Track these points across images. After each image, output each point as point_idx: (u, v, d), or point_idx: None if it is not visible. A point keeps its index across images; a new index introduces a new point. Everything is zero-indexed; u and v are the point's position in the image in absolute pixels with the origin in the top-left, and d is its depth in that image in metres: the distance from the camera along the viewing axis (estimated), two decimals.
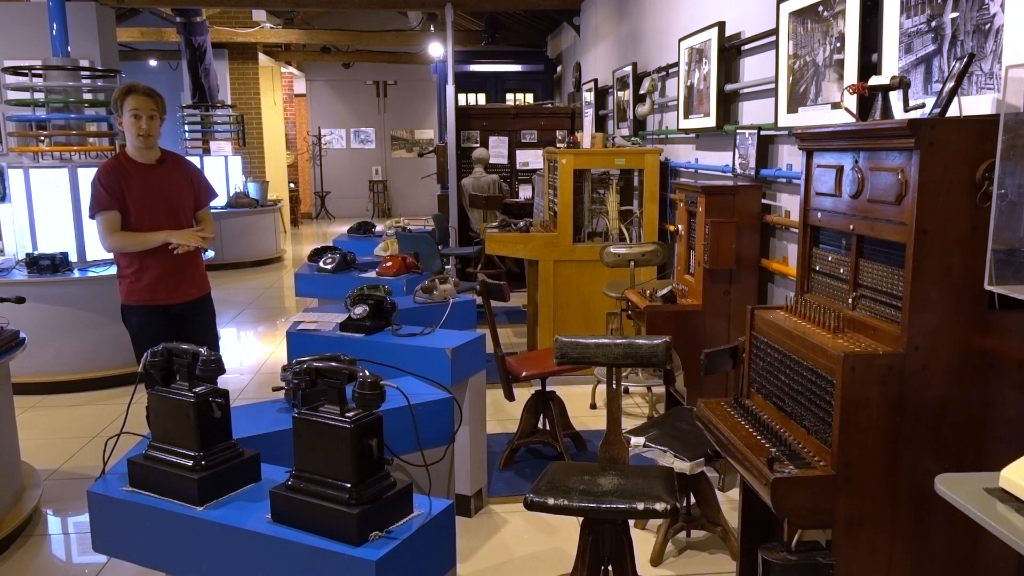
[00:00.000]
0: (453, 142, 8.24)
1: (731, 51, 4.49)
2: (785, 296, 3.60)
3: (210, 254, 6.71)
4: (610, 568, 2.58)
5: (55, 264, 5.47)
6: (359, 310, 3.54)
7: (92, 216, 3.53)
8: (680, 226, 4.26)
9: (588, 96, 8.34)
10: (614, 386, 2.74)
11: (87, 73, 6.29)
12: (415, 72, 16.62)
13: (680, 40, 5.16)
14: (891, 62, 2.80)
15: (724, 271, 3.81)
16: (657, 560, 3.18)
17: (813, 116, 3.39)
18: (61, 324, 5.47)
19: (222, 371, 2.13)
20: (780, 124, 3.71)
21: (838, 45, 3.18)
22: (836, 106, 3.21)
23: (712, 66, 4.58)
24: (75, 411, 5.16)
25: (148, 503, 2.10)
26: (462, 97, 10.85)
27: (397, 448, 2.07)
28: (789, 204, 3.79)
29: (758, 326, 2.45)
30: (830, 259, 2.37)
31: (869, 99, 2.49)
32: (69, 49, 6.32)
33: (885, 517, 2.02)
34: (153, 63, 14.69)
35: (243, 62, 13.05)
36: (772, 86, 3.79)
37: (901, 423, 1.99)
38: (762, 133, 3.99)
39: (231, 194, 11.01)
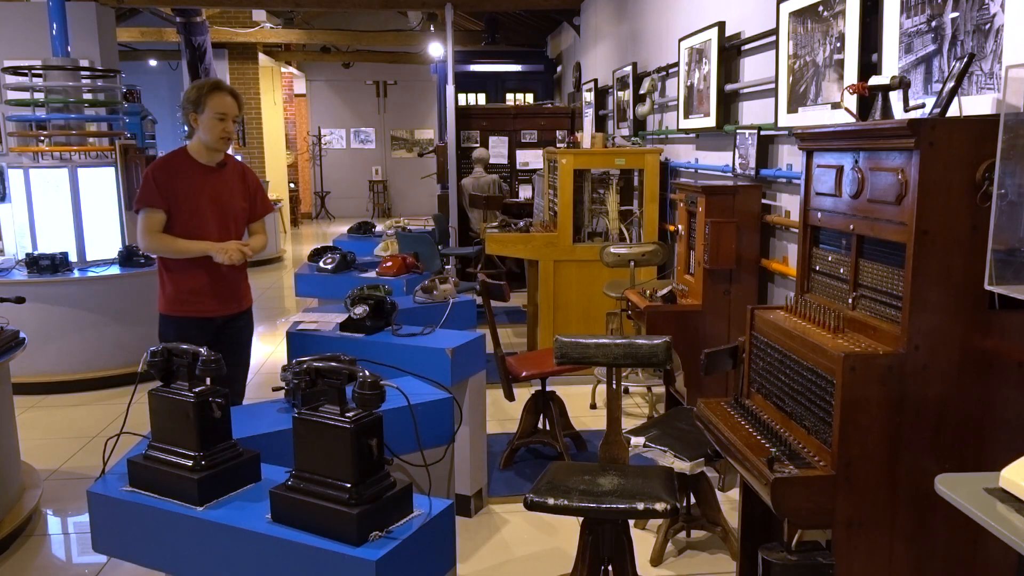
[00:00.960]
0: (453, 142, 8.24)
1: (731, 51, 4.49)
2: (785, 296, 3.60)
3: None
4: (610, 568, 2.58)
5: (55, 264, 5.48)
6: (359, 310, 3.54)
7: (137, 210, 3.31)
8: (680, 226, 4.26)
9: (588, 96, 8.34)
10: (614, 386, 2.74)
11: (87, 73, 6.30)
12: (415, 72, 16.62)
13: (680, 40, 5.16)
14: (891, 62, 2.80)
15: (724, 271, 3.81)
16: (657, 560, 3.18)
17: (813, 116, 3.39)
18: (61, 324, 5.47)
19: (222, 371, 2.13)
20: (780, 124, 3.71)
21: (838, 45, 3.18)
22: (836, 106, 3.21)
23: (712, 66, 4.58)
24: (75, 411, 5.16)
25: (148, 503, 2.10)
26: (462, 97, 10.85)
27: (397, 448, 2.07)
28: (789, 204, 3.79)
29: (758, 326, 2.45)
30: (830, 259, 2.37)
31: (869, 99, 2.49)
32: (69, 49, 6.32)
33: (885, 517, 2.02)
34: (153, 63, 14.69)
35: (243, 62, 13.04)
36: (772, 86, 3.79)
37: (901, 423, 1.99)
38: (762, 133, 3.99)
39: None
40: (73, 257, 5.70)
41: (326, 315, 3.78)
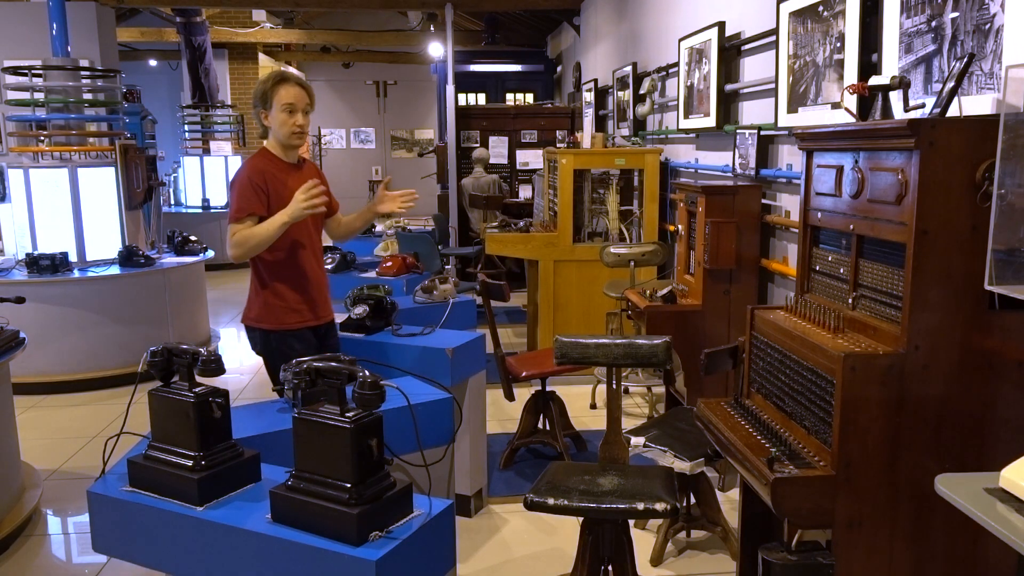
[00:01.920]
0: (453, 142, 8.24)
1: (731, 51, 4.49)
2: (785, 296, 3.60)
3: (208, 255, 6.71)
4: (610, 568, 2.57)
5: (55, 264, 5.48)
6: (359, 310, 3.55)
7: (236, 219, 3.00)
8: (680, 226, 4.26)
9: (588, 96, 8.34)
10: (614, 386, 2.74)
11: (87, 73, 6.30)
12: (415, 72, 16.62)
13: (680, 40, 5.16)
14: (891, 62, 2.80)
15: (724, 271, 3.81)
16: (657, 560, 3.18)
17: (813, 116, 3.39)
18: (61, 324, 5.47)
19: (222, 371, 2.13)
20: (780, 124, 3.71)
21: (838, 45, 3.18)
22: (836, 106, 3.21)
23: (712, 66, 4.58)
24: (75, 411, 5.16)
25: (148, 503, 2.10)
26: (462, 97, 10.85)
27: (397, 448, 2.07)
28: (789, 204, 3.79)
29: (758, 326, 2.45)
30: (830, 259, 2.37)
31: (869, 99, 2.49)
32: (69, 49, 6.32)
33: (885, 517, 2.02)
34: (153, 63, 14.69)
35: (243, 62, 13.04)
36: (772, 86, 3.79)
37: (901, 423, 1.99)
38: (762, 133, 3.99)
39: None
40: (73, 257, 5.70)
41: None
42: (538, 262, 5.59)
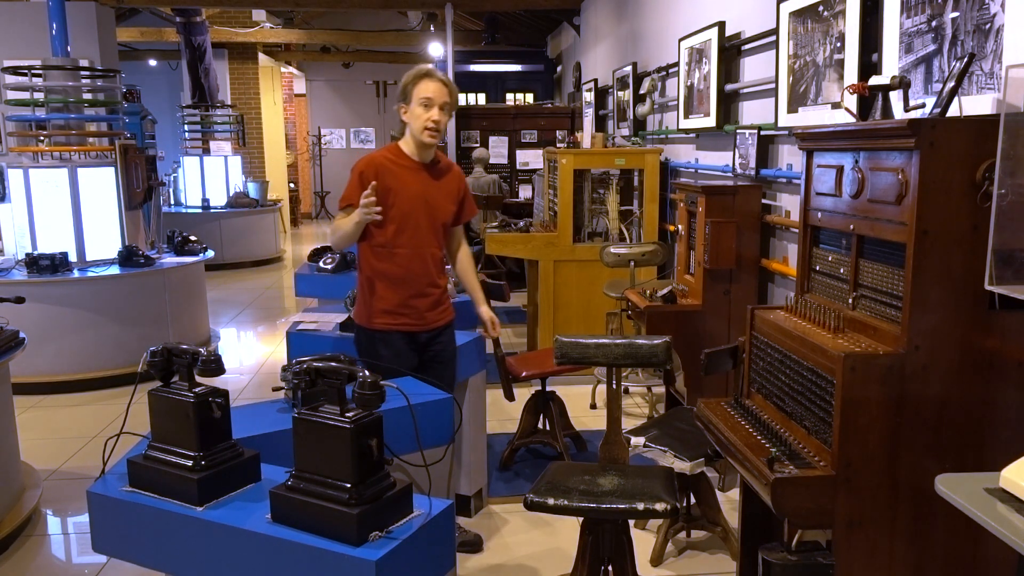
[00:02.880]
0: (453, 142, 8.24)
1: (731, 51, 4.49)
2: (785, 296, 3.60)
3: (208, 255, 6.70)
4: (610, 568, 2.57)
5: (55, 264, 5.48)
6: None
7: (341, 208, 3.01)
8: (680, 226, 4.26)
9: (588, 96, 8.34)
10: (614, 386, 2.74)
11: (87, 73, 6.30)
12: None
13: (680, 40, 5.16)
14: (891, 62, 2.80)
15: (724, 271, 3.81)
16: (657, 560, 3.18)
17: (813, 116, 3.39)
18: (61, 324, 5.47)
19: (222, 371, 2.13)
20: (780, 124, 3.71)
21: (838, 45, 3.18)
22: (836, 106, 3.21)
23: (712, 66, 4.58)
24: (75, 411, 5.16)
25: (148, 503, 2.10)
26: (462, 97, 10.85)
27: (397, 448, 2.07)
28: (789, 204, 3.79)
29: (758, 326, 2.45)
30: (830, 259, 2.37)
31: (869, 99, 2.49)
32: (69, 49, 6.32)
33: (885, 517, 2.02)
34: (153, 63, 14.70)
35: (243, 62, 13.05)
36: (772, 86, 3.79)
37: (901, 423, 1.99)
38: (762, 133, 3.99)
39: (231, 194, 11.01)
40: (73, 257, 5.70)
41: (326, 315, 3.78)
42: (538, 262, 5.59)
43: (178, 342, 2.20)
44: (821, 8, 3.31)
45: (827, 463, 2.02)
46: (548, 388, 4.17)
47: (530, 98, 12.05)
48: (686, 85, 5.10)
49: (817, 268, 2.45)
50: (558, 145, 8.04)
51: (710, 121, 4.66)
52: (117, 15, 9.95)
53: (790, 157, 3.79)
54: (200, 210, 10.79)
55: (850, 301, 2.22)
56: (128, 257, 5.80)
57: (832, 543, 2.05)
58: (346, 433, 1.84)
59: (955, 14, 2.47)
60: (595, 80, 8.16)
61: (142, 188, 6.33)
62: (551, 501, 2.42)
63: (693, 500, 3.26)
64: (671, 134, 5.65)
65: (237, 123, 11.71)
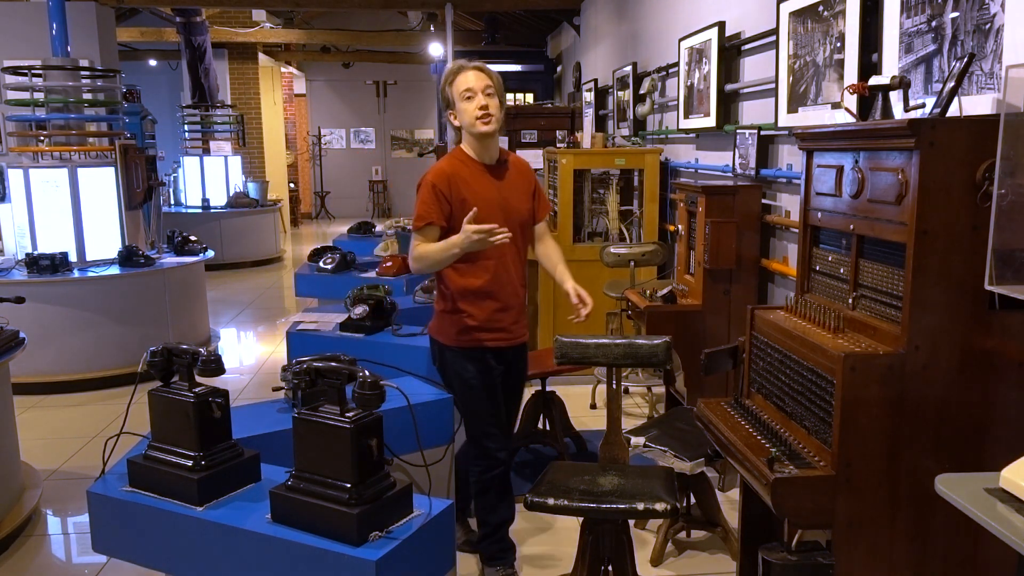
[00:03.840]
0: (453, 142, 8.23)
1: (731, 51, 4.49)
2: (785, 296, 3.60)
3: (208, 255, 6.70)
4: (610, 568, 2.57)
5: (55, 264, 5.48)
6: (359, 310, 3.54)
7: (415, 228, 2.79)
8: (680, 226, 4.26)
9: (588, 96, 8.34)
10: (614, 386, 2.74)
11: (87, 73, 6.30)
12: (415, 72, 16.62)
13: (680, 40, 5.16)
14: (891, 62, 2.80)
15: (724, 271, 3.81)
16: (657, 560, 3.18)
17: (813, 116, 3.39)
18: (61, 324, 5.47)
19: (222, 371, 2.13)
20: (780, 124, 3.71)
21: (838, 45, 3.18)
22: (836, 106, 3.21)
23: (712, 66, 4.58)
24: (75, 411, 5.16)
25: (148, 503, 2.10)
26: None
27: (397, 448, 2.07)
28: (789, 204, 3.79)
29: (758, 326, 2.45)
30: (830, 259, 2.37)
31: (869, 99, 2.49)
32: (69, 49, 6.32)
33: (885, 517, 2.02)
34: (153, 63, 14.70)
35: (243, 62, 13.05)
36: (772, 86, 3.79)
37: (901, 423, 1.99)
38: (762, 133, 3.99)
39: (231, 194, 11.02)
40: (73, 257, 5.70)
41: (326, 315, 3.78)
42: (538, 262, 5.58)
43: (178, 342, 2.20)
44: (821, 8, 3.31)
45: (827, 463, 2.02)
46: (548, 388, 4.17)
47: (530, 98, 12.05)
48: (686, 85, 5.10)
49: (817, 268, 2.45)
50: (558, 145, 8.03)
51: (710, 121, 4.66)
52: (117, 15, 9.95)
53: (790, 157, 3.78)
54: (200, 210, 10.80)
55: (850, 301, 2.22)
56: (128, 257, 5.80)
57: (832, 543, 2.05)
58: (346, 433, 1.84)
59: (955, 14, 2.47)
60: (595, 80, 8.16)
61: (142, 188, 6.33)
62: (551, 501, 2.42)
63: (693, 500, 3.26)
64: (671, 134, 5.65)
65: (237, 123, 11.71)
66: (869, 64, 2.99)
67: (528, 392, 4.25)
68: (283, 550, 1.89)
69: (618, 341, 2.71)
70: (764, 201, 3.92)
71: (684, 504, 3.23)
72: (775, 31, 3.72)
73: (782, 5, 3.62)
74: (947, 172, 1.91)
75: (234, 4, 10.96)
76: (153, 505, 2.09)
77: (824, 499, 1.99)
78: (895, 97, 2.29)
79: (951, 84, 2.08)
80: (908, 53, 2.71)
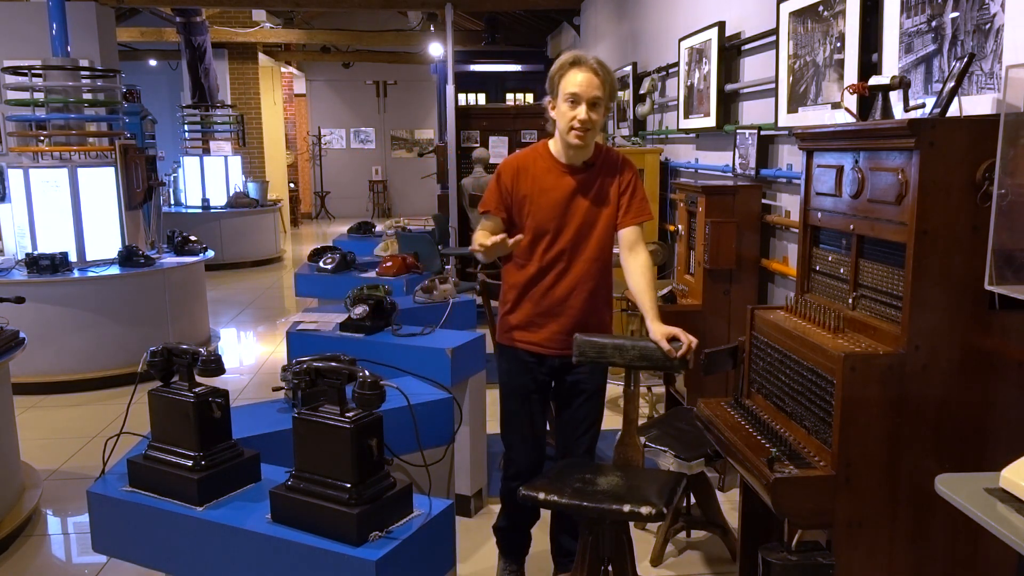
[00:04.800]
0: (453, 142, 8.24)
1: (731, 51, 4.49)
2: (785, 296, 3.60)
3: (208, 255, 6.70)
4: (610, 568, 2.57)
5: (55, 264, 5.48)
6: (359, 310, 3.54)
7: (483, 213, 2.74)
8: (680, 226, 4.26)
9: None
10: (632, 388, 2.69)
11: (87, 73, 6.30)
12: (415, 72, 16.63)
13: (680, 40, 5.16)
14: (891, 62, 2.80)
15: (724, 271, 3.81)
16: (657, 560, 3.18)
17: (813, 116, 3.39)
18: (61, 324, 5.47)
19: (222, 371, 2.13)
20: (780, 124, 3.71)
21: (838, 45, 3.18)
22: (836, 106, 3.21)
23: (712, 66, 4.58)
24: (75, 411, 5.16)
25: (148, 503, 2.10)
26: (462, 97, 10.86)
27: (397, 448, 2.07)
28: (789, 204, 3.79)
29: (758, 326, 2.45)
30: (830, 259, 2.37)
31: (869, 99, 2.49)
32: (69, 49, 6.32)
33: (885, 517, 2.02)
34: (153, 63, 14.70)
35: (243, 62, 13.05)
36: (772, 86, 3.79)
37: (901, 423, 1.99)
38: (762, 133, 3.99)
39: (231, 194, 11.02)
40: (73, 257, 5.70)
41: (326, 315, 3.78)
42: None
43: (178, 342, 2.20)
44: (821, 8, 3.31)
45: (827, 463, 2.02)
46: None
47: (530, 98, 12.05)
48: (686, 85, 5.10)
49: (817, 268, 2.45)
50: None
51: (710, 121, 4.66)
52: (117, 15, 9.95)
53: (790, 157, 3.78)
54: (200, 210, 10.80)
55: (850, 301, 2.22)
56: (128, 257, 5.80)
57: (832, 543, 2.05)
58: (346, 433, 1.84)
59: (955, 14, 2.47)
60: None
61: (142, 188, 6.33)
62: (541, 495, 2.39)
63: (693, 500, 3.25)
64: (671, 134, 5.65)
65: (237, 123, 11.71)
66: (869, 64, 2.99)
67: None
68: (283, 550, 1.89)
69: (635, 344, 2.61)
70: (764, 201, 3.92)
71: (684, 504, 3.23)
72: (775, 31, 3.72)
73: (782, 5, 3.62)
74: (947, 172, 1.91)
75: (234, 4, 10.96)
76: (153, 505, 2.09)
77: (824, 499, 1.99)
78: (895, 97, 2.29)
79: (951, 84, 2.08)
80: (908, 53, 2.71)
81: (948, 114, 2.09)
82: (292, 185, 16.10)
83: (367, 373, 1.88)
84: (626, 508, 2.30)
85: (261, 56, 13.34)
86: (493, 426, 4.43)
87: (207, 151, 11.25)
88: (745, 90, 4.35)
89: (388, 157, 17.82)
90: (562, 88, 2.55)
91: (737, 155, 4.25)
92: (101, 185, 5.89)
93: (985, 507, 1.53)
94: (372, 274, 4.95)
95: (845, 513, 2.00)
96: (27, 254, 5.58)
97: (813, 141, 2.41)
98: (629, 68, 6.58)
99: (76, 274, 5.57)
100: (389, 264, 4.95)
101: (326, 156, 17.60)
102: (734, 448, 2.24)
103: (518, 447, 2.86)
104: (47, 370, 5.44)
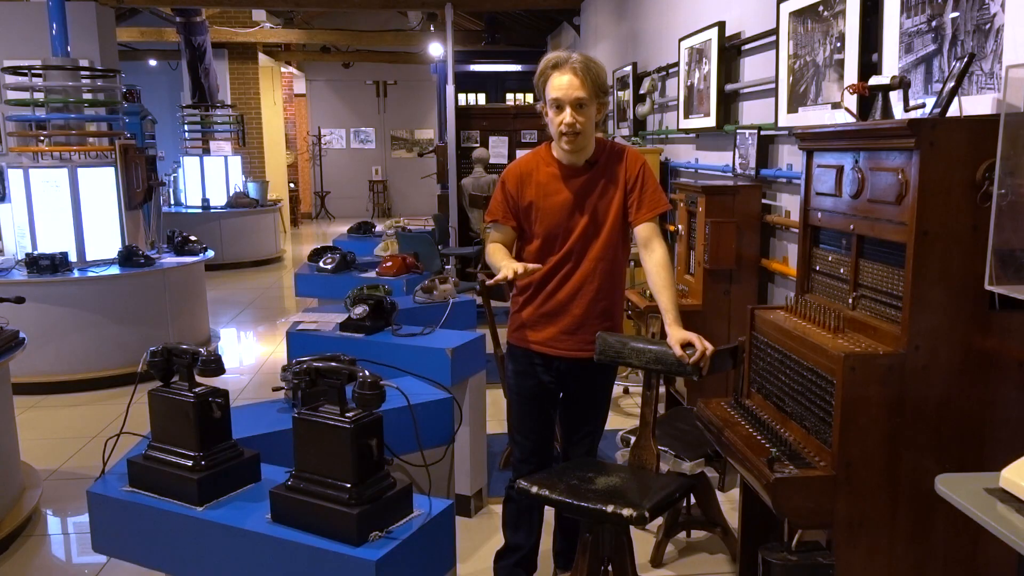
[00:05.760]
0: (453, 142, 8.24)
1: (731, 51, 4.49)
2: (785, 296, 3.60)
3: (208, 255, 6.70)
4: (610, 568, 2.57)
5: (55, 264, 5.48)
6: (359, 310, 3.54)
7: (490, 220, 2.75)
8: (680, 226, 4.26)
9: None
10: (650, 391, 2.66)
11: (87, 73, 6.30)
12: (415, 72, 16.63)
13: (680, 40, 5.15)
14: (891, 62, 2.80)
15: (724, 271, 3.81)
16: (657, 560, 3.18)
17: (813, 116, 3.39)
18: (61, 324, 5.47)
19: (222, 371, 2.13)
20: (780, 124, 3.71)
21: (838, 45, 3.18)
22: (836, 106, 3.21)
23: (712, 66, 4.58)
24: (75, 411, 5.16)
25: (148, 503, 2.10)
26: (462, 97, 10.85)
27: (397, 448, 2.07)
28: (789, 204, 3.79)
29: (758, 326, 2.45)
30: (830, 259, 2.37)
31: (869, 99, 2.49)
32: (69, 49, 6.32)
33: (885, 517, 2.02)
34: (153, 63, 14.70)
35: (243, 62, 13.05)
36: (772, 86, 3.79)
37: (901, 423, 1.99)
38: (762, 133, 3.99)
39: (231, 194, 11.02)
40: (73, 257, 5.70)
41: (326, 315, 3.78)
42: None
43: (178, 342, 2.20)
44: (821, 8, 3.31)
45: (827, 463, 2.02)
46: None
47: (530, 98, 12.04)
48: (686, 85, 5.10)
49: (817, 268, 2.45)
50: None
51: (710, 121, 4.65)
52: (117, 15, 9.95)
53: (790, 157, 3.78)
54: (200, 210, 10.80)
55: (850, 301, 2.22)
56: (128, 257, 5.80)
57: (832, 543, 2.05)
58: (346, 433, 1.84)
59: (955, 14, 2.47)
60: None
61: (142, 188, 6.33)
62: (534, 489, 2.39)
63: (693, 500, 3.25)
64: (671, 134, 5.65)
65: (237, 123, 11.71)
66: (869, 64, 2.99)
67: None
68: (283, 550, 1.89)
69: (651, 347, 2.56)
70: (764, 201, 3.92)
71: (684, 504, 3.23)
72: (775, 31, 3.72)
73: (782, 5, 3.62)
74: (947, 172, 1.91)
75: (234, 4, 10.95)
76: (153, 505, 2.09)
77: (824, 499, 1.99)
78: (895, 97, 2.29)
79: (951, 84, 2.08)
80: (908, 53, 2.71)
81: (948, 114, 2.09)
82: (292, 185, 16.10)
83: (367, 373, 1.88)
84: (609, 508, 2.28)
85: (261, 56, 13.34)
86: (493, 426, 4.43)
87: (207, 151, 11.25)
88: (745, 90, 4.35)
89: (388, 157, 17.82)
90: (547, 94, 2.52)
91: (737, 155, 4.25)
92: (101, 185, 5.89)
93: (985, 507, 1.53)
94: (372, 274, 4.95)
95: (845, 513, 2.00)
96: (27, 254, 5.58)
97: (813, 141, 2.41)
98: (629, 68, 6.58)
99: (76, 274, 5.57)
100: (389, 264, 4.95)
101: (326, 156, 17.60)
102: (734, 448, 2.24)
103: (525, 452, 2.85)
104: (47, 370, 5.44)
